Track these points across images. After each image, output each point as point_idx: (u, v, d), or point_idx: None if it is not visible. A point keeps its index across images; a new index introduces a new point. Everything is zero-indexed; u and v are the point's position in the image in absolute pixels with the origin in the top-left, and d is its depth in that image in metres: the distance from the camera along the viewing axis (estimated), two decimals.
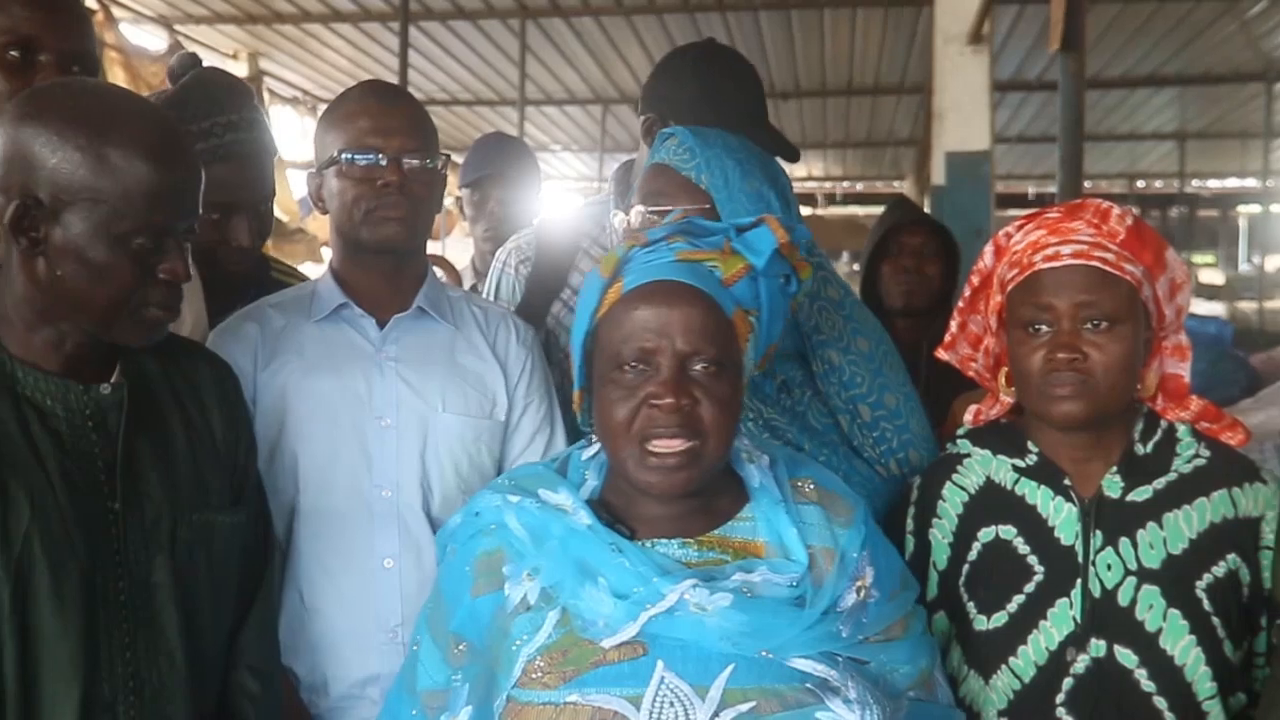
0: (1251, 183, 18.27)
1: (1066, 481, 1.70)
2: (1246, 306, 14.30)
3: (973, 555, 1.73)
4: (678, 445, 1.36)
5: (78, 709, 1.44)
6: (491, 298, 2.54)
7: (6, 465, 1.44)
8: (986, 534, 1.73)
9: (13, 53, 1.81)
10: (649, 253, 1.43)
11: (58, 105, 1.46)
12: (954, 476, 1.78)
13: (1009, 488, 1.74)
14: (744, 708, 1.30)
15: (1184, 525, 1.66)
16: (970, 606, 1.71)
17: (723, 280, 1.41)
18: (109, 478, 1.51)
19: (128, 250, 1.46)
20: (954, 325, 1.86)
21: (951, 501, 1.77)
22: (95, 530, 1.48)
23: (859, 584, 1.42)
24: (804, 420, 1.94)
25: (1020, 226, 1.74)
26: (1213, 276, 17.89)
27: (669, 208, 1.85)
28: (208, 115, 2.27)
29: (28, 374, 1.49)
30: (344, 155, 1.90)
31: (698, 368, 1.37)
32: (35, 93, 1.53)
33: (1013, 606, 1.68)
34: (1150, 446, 1.71)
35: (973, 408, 1.87)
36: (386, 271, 1.97)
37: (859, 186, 19.92)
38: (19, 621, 1.41)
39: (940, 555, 1.76)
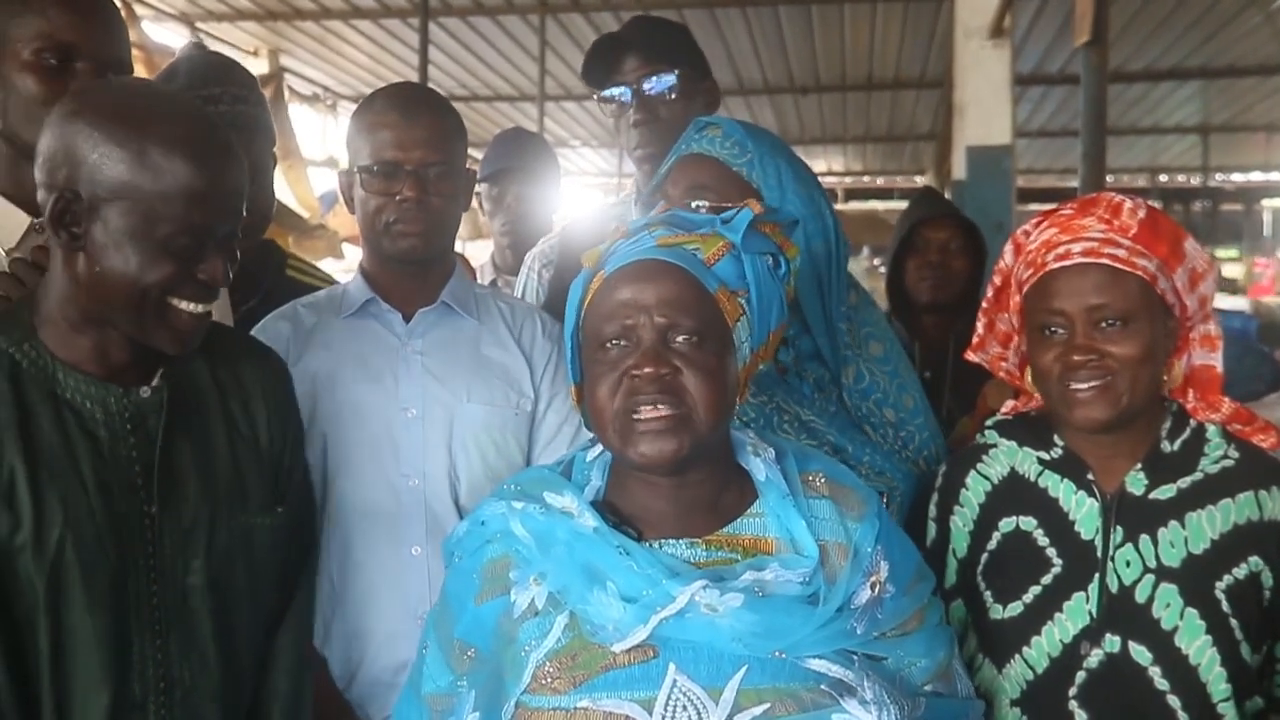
0: (1276, 176, 18.15)
1: (1090, 476, 1.70)
2: (1271, 301, 14.19)
3: (992, 544, 1.73)
4: (662, 411, 1.35)
5: (107, 708, 1.46)
6: None
7: (43, 471, 1.45)
8: (1007, 524, 1.73)
9: (50, 59, 1.82)
10: (631, 242, 1.44)
11: (102, 102, 1.48)
12: (979, 466, 1.78)
13: (1032, 479, 1.74)
14: (758, 710, 1.29)
15: (1206, 525, 1.65)
16: (987, 595, 1.72)
17: (704, 260, 1.41)
18: (146, 481, 1.52)
19: (167, 250, 1.46)
20: (980, 326, 1.86)
21: (974, 490, 1.77)
22: (128, 533, 1.49)
23: (873, 579, 1.41)
24: (841, 421, 1.91)
25: (1037, 224, 1.74)
26: (1236, 271, 17.73)
27: (717, 203, 1.80)
28: (189, 87, 2.27)
29: (69, 376, 1.50)
30: (366, 168, 1.93)
31: (679, 339, 1.37)
32: (82, 90, 1.55)
33: (1029, 597, 1.68)
34: (1177, 445, 1.70)
35: (1009, 403, 1.87)
36: (412, 273, 2.01)
37: (879, 181, 19.85)
38: (52, 622, 1.44)
39: (960, 543, 1.77)
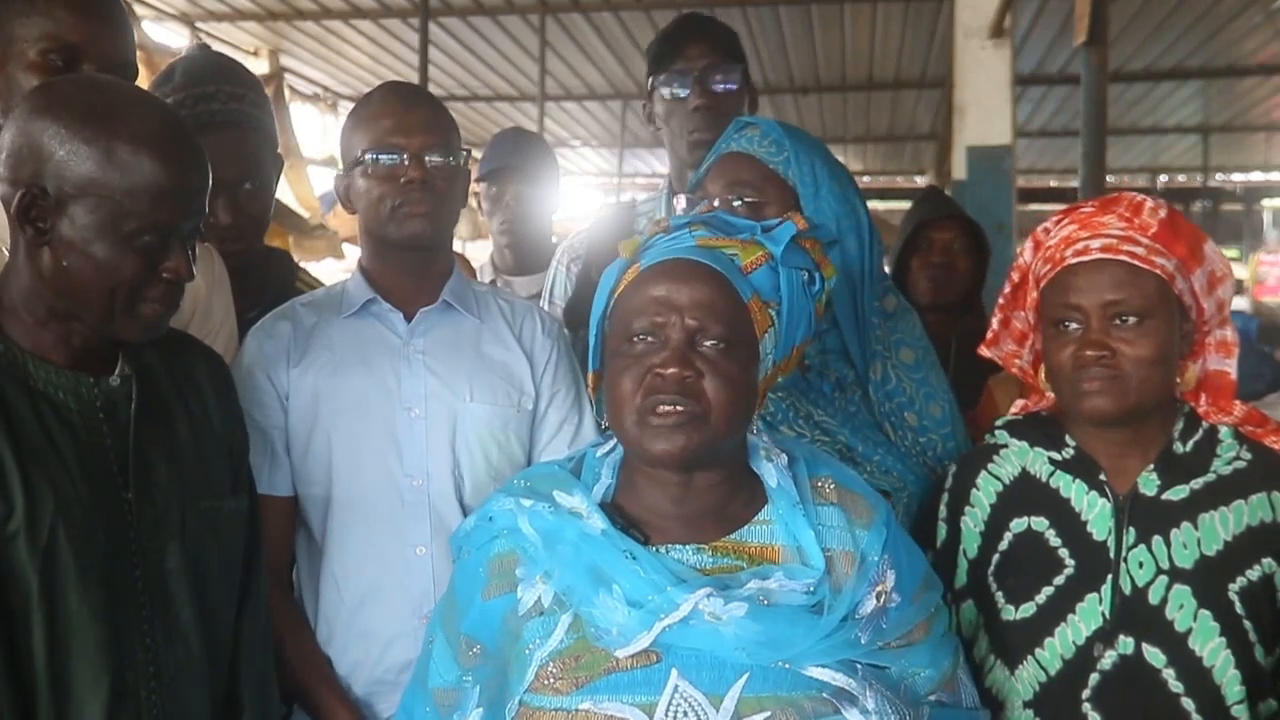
0: (1276, 176, 18.14)
1: (1102, 476, 1.69)
2: (1271, 301, 14.19)
3: (1004, 545, 1.73)
4: (678, 408, 1.35)
5: (107, 696, 1.47)
6: (546, 298, 2.57)
7: (29, 457, 1.46)
8: (1018, 524, 1.72)
9: (56, 60, 1.82)
10: (670, 238, 1.44)
11: (69, 98, 1.48)
12: (989, 466, 1.78)
13: (1044, 480, 1.73)
14: (759, 717, 1.30)
15: (1220, 527, 1.64)
16: (998, 596, 1.71)
17: (741, 267, 1.41)
18: (121, 468, 1.54)
19: (132, 246, 1.48)
20: (995, 322, 1.86)
21: (985, 491, 1.76)
22: (112, 520, 1.51)
23: (879, 589, 1.40)
24: (857, 420, 1.92)
25: (1057, 221, 1.74)
26: (1237, 270, 17.75)
27: (755, 199, 1.85)
28: (184, 86, 2.27)
29: (39, 367, 1.52)
30: (368, 155, 1.94)
31: (706, 344, 1.37)
32: (48, 85, 1.56)
33: (1041, 598, 1.67)
34: (1190, 446, 1.70)
35: (1019, 402, 1.86)
36: (413, 268, 2.01)
37: (879, 181, 19.84)
38: (47, 611, 1.44)
39: (971, 544, 1.76)
